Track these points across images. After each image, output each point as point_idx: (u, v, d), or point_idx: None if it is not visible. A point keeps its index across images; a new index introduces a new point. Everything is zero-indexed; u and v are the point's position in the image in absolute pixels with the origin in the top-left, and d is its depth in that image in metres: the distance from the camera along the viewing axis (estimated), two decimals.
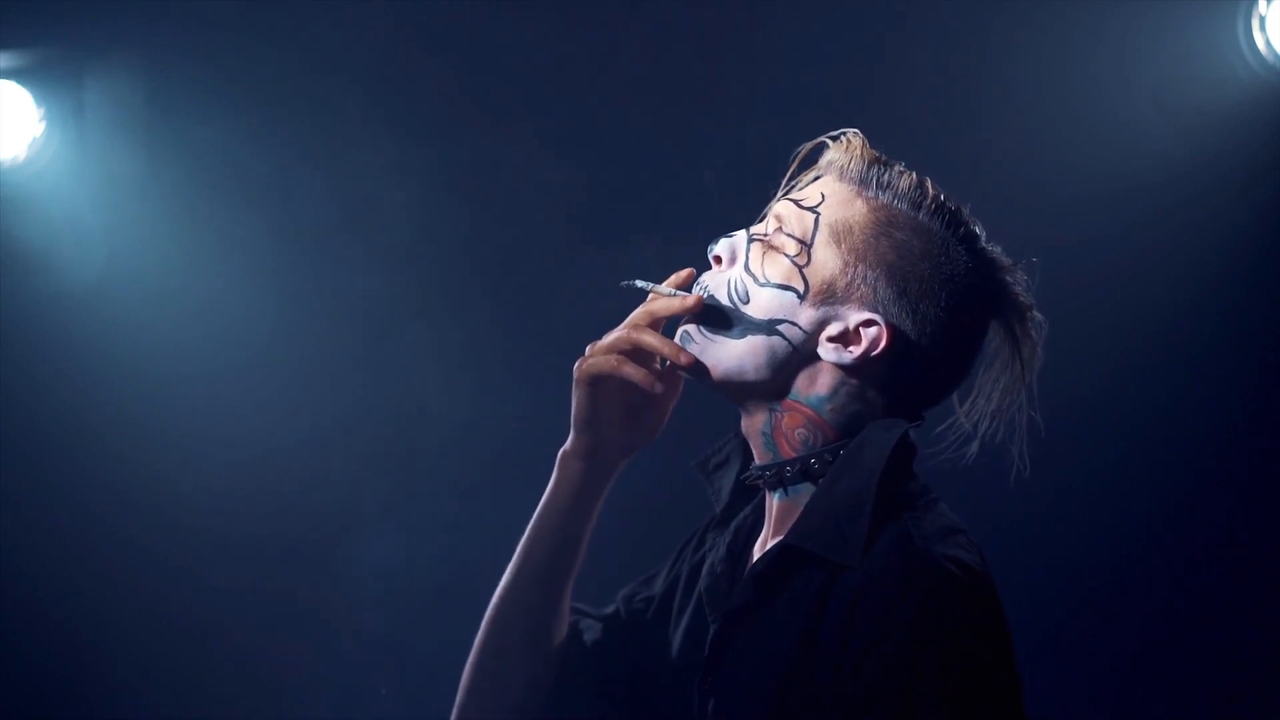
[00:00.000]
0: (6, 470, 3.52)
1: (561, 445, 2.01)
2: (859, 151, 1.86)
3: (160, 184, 3.51)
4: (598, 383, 1.93)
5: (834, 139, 1.89)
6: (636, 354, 1.91)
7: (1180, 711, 3.42)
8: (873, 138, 1.90)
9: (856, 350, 1.81)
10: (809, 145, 1.91)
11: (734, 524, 1.98)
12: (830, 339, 1.82)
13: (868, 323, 1.81)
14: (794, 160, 1.92)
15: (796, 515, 1.81)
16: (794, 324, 1.82)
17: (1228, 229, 3.40)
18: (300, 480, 3.55)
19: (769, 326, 1.82)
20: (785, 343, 1.82)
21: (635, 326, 1.91)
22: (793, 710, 1.71)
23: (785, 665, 1.72)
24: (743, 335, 1.84)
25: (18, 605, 3.53)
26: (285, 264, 3.53)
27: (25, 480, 3.53)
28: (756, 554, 1.90)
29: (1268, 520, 3.43)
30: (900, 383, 1.83)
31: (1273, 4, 3.30)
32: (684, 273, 1.93)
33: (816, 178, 1.89)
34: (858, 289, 1.82)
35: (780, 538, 1.82)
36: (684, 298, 1.89)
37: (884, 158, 1.86)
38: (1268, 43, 3.31)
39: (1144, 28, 3.36)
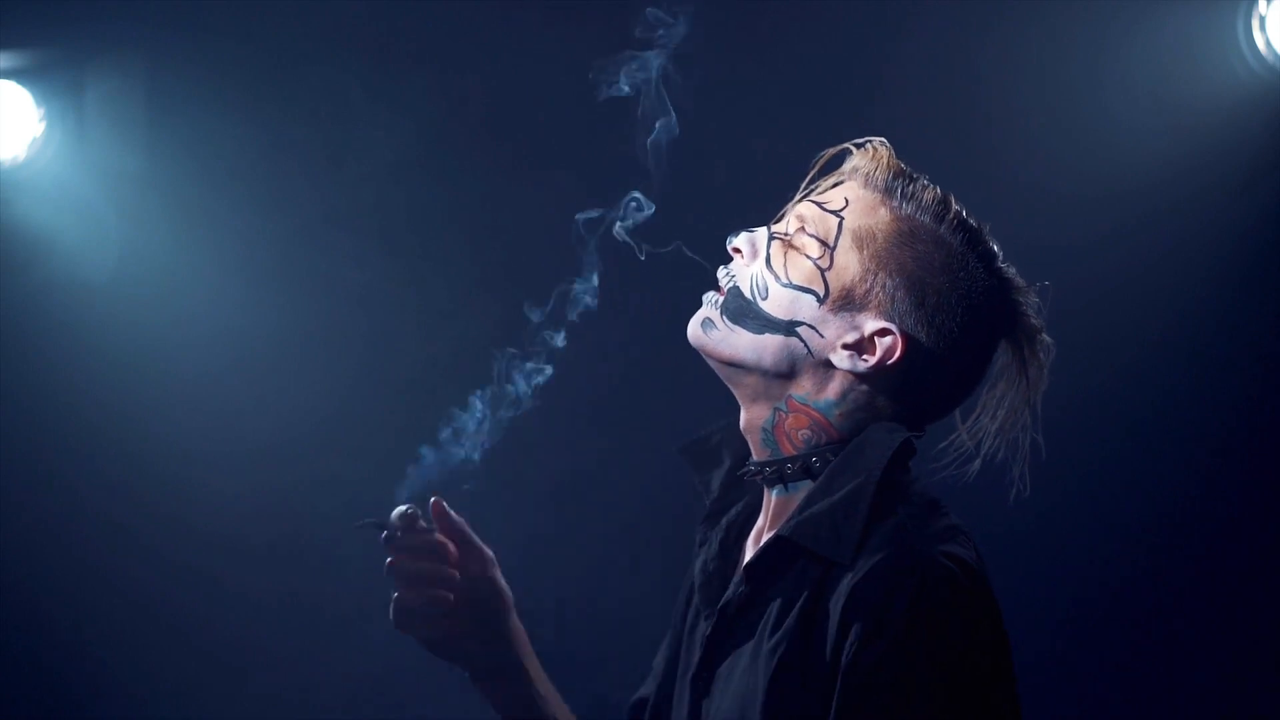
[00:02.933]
0: (8, 469, 3.52)
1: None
2: (885, 161, 1.87)
3: (160, 183, 3.52)
4: (419, 628, 2.03)
5: (859, 146, 1.90)
6: (413, 588, 2.01)
7: (1174, 705, 3.43)
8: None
9: (871, 360, 1.82)
10: (833, 150, 1.92)
11: (725, 520, 1.97)
12: (846, 346, 1.82)
13: (883, 332, 1.81)
14: (816, 163, 1.92)
15: (792, 510, 1.81)
16: (811, 327, 1.82)
17: (1228, 229, 3.40)
18: (301, 476, 3.55)
19: (787, 327, 1.83)
20: (801, 344, 1.83)
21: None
22: (788, 707, 1.71)
23: (780, 662, 1.72)
24: (761, 331, 1.84)
25: (20, 602, 3.54)
26: (286, 263, 3.53)
27: (29, 480, 3.53)
28: (750, 548, 1.90)
29: (1268, 522, 3.43)
30: (910, 393, 1.84)
31: (1273, 4, 3.30)
32: (426, 506, 2.05)
33: (837, 182, 1.90)
34: (876, 296, 1.82)
35: (775, 531, 1.82)
36: None
37: (908, 170, 1.87)
38: (1268, 43, 3.31)
39: (1144, 28, 3.36)
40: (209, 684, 3.56)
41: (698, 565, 1.94)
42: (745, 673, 1.77)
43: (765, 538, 1.84)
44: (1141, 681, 3.43)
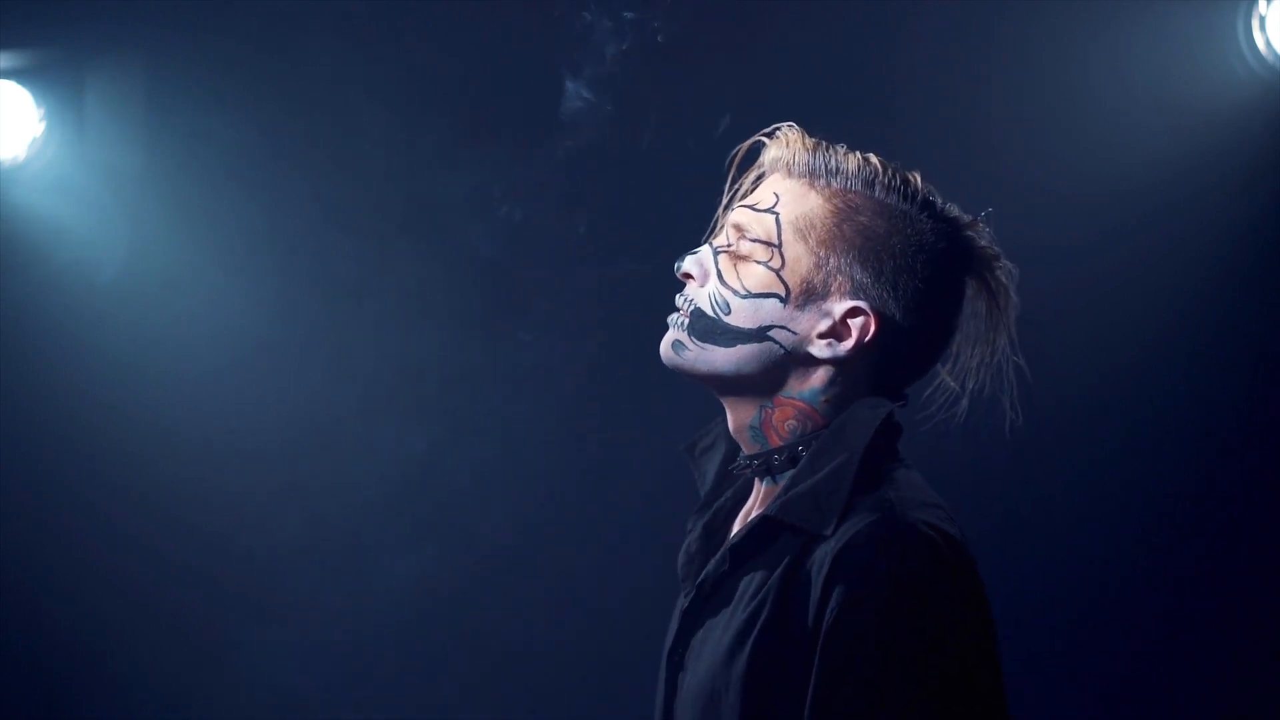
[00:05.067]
0: (8, 469, 3.52)
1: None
2: (800, 143, 1.86)
3: (160, 182, 3.52)
4: None
5: (769, 136, 1.89)
6: None
7: (1174, 705, 3.43)
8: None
9: (849, 342, 1.82)
10: (744, 146, 1.91)
11: (714, 507, 1.98)
12: (821, 335, 1.82)
13: (853, 312, 1.82)
14: (731, 164, 1.92)
15: (778, 492, 1.82)
16: (783, 328, 1.83)
17: (1228, 229, 3.40)
18: (302, 476, 3.55)
19: (759, 334, 1.83)
20: (778, 347, 1.83)
21: None
22: (766, 678, 1.71)
23: (761, 627, 1.73)
24: (733, 344, 1.84)
25: (20, 602, 3.54)
26: (286, 262, 3.53)
27: (29, 480, 3.53)
28: (736, 528, 1.90)
29: (1268, 522, 3.43)
30: (892, 361, 1.84)
31: (1273, 4, 3.30)
32: None
33: (759, 177, 1.90)
34: (835, 280, 1.82)
35: (761, 510, 1.83)
36: None
37: (824, 142, 1.86)
38: (1268, 43, 3.31)
39: (1144, 28, 3.35)
40: (209, 684, 3.56)
41: (682, 548, 1.95)
42: (718, 641, 1.78)
43: (751, 517, 1.85)
44: (1141, 681, 3.43)
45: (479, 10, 3.49)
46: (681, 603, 1.88)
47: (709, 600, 1.83)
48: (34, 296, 3.52)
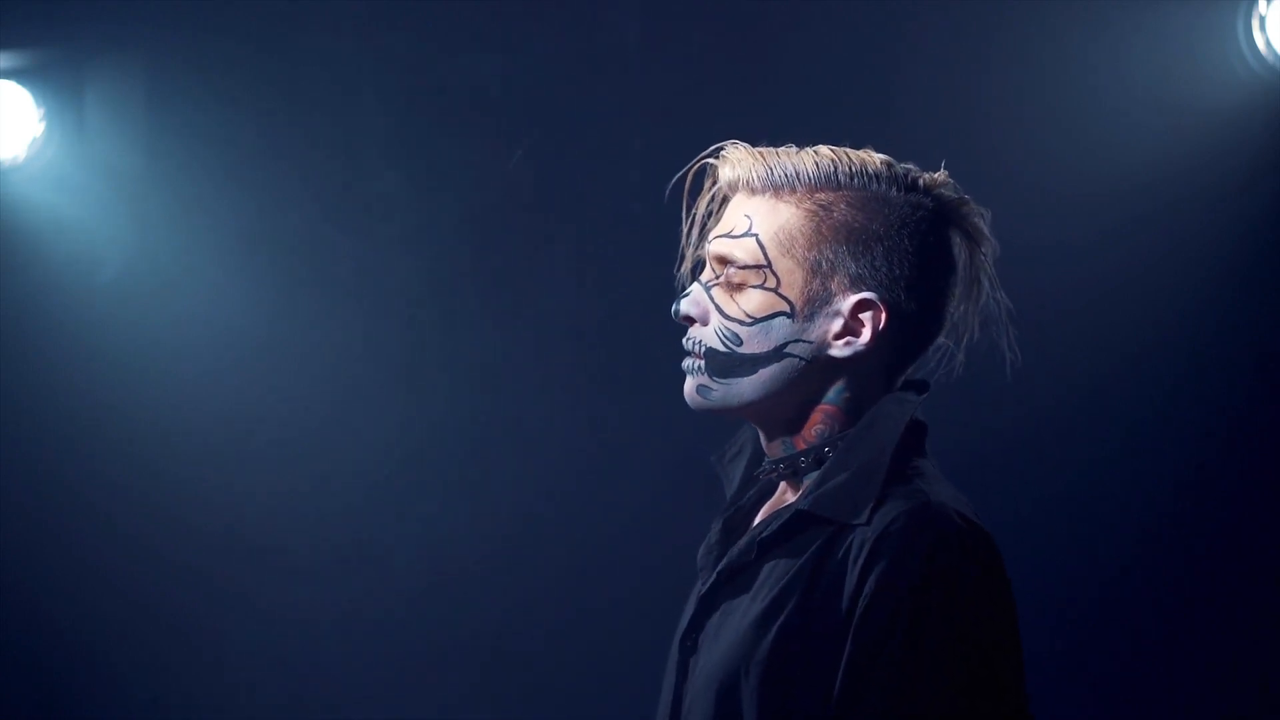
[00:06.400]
0: (9, 469, 3.52)
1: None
2: (751, 159, 1.86)
3: (161, 182, 3.52)
4: None
5: (716, 159, 1.89)
6: None
7: (1174, 705, 3.43)
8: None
9: (866, 335, 1.83)
10: (690, 170, 1.91)
11: (736, 506, 1.99)
12: (836, 337, 1.84)
13: (861, 305, 1.83)
14: (683, 194, 1.92)
15: (808, 486, 1.84)
16: (798, 341, 1.84)
17: (1228, 229, 3.40)
18: (303, 476, 3.55)
19: (776, 354, 1.84)
20: (798, 360, 1.84)
21: None
22: (790, 662, 1.73)
23: (783, 617, 1.74)
24: (755, 370, 1.85)
25: (20, 602, 3.54)
26: (287, 261, 3.53)
27: (29, 481, 3.53)
28: (758, 520, 1.91)
29: (1268, 522, 3.43)
30: (907, 339, 1.86)
31: (1273, 4, 3.30)
32: None
33: (712, 199, 1.90)
34: (833, 281, 1.83)
35: (790, 504, 1.84)
36: None
37: (773, 150, 1.86)
38: (1268, 43, 3.30)
39: (1144, 28, 3.35)
40: (209, 684, 3.56)
41: (702, 544, 1.96)
42: (736, 626, 1.78)
43: (779, 508, 1.86)
44: (1141, 681, 3.43)
45: (480, 8, 3.48)
46: (699, 588, 1.89)
47: (726, 585, 1.84)
48: (34, 296, 3.52)
